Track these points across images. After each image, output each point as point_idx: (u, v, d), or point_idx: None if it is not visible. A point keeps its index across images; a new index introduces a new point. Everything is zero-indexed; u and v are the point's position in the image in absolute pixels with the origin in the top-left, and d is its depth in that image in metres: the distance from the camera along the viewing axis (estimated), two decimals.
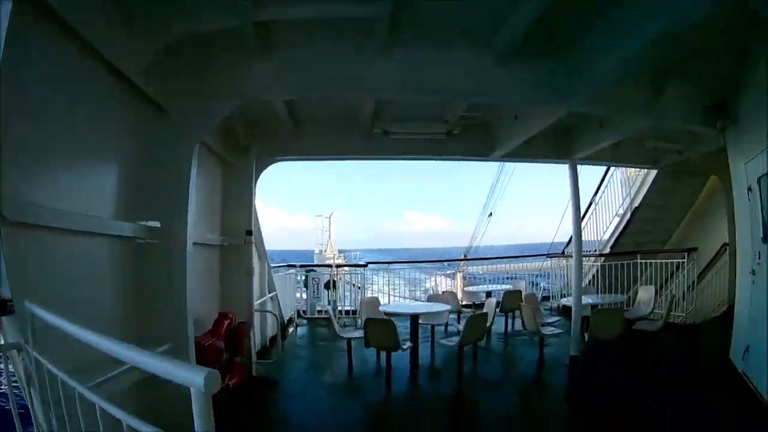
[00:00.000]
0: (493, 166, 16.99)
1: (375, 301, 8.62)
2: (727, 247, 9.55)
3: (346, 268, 13.36)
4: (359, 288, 12.78)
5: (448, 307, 7.88)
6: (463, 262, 15.58)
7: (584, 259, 11.16)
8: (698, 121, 6.33)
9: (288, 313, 11.12)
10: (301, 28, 4.35)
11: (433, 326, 8.39)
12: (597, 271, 10.90)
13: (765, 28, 4.65)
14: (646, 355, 7.22)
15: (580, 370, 7.00)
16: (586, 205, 12.17)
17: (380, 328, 6.42)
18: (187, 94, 4.52)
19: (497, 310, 7.82)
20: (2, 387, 4.28)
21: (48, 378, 2.31)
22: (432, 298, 9.25)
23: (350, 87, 4.95)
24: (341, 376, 7.29)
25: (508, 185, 16.36)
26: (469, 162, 8.96)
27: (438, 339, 8.00)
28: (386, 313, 7.33)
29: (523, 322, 7.53)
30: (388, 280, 13.32)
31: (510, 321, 9.80)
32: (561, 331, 7.37)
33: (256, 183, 7.27)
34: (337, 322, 7.80)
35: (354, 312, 11.82)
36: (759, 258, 5.53)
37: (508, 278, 14.00)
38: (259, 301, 8.08)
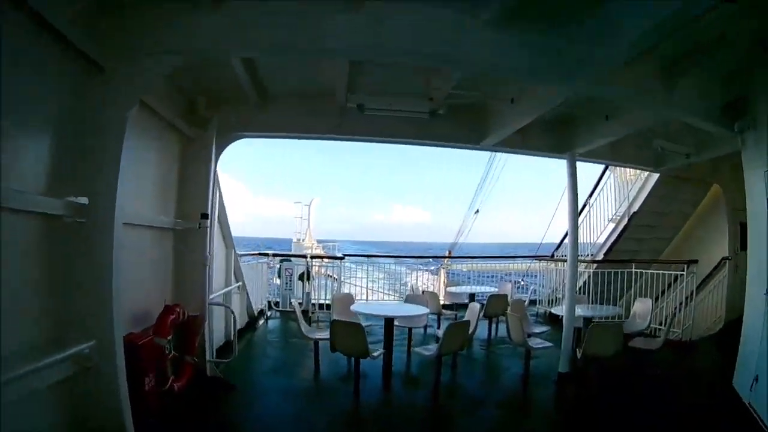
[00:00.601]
0: (482, 160, 16.46)
1: (348, 299, 7.91)
2: (728, 262, 9.17)
3: (325, 260, 12.61)
4: (339, 280, 12.23)
5: (426, 310, 7.18)
6: (447, 259, 15.00)
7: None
8: (713, 120, 5.71)
9: (259, 304, 10.50)
10: None
11: (410, 329, 7.72)
12: (589, 277, 10.27)
13: None
14: (643, 377, 6.59)
15: (571, 389, 6.42)
16: (580, 207, 11.48)
17: (347, 331, 5.71)
18: (124, 50, 3.79)
19: (481, 314, 7.14)
20: None
21: None
22: (410, 298, 8.45)
23: (310, 45, 4.08)
24: (306, 380, 6.65)
25: (498, 181, 15.89)
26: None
27: (415, 344, 7.45)
28: (359, 314, 6.65)
29: (508, 332, 6.87)
30: (367, 274, 12.74)
31: (494, 326, 9.21)
32: (550, 344, 6.72)
33: (216, 160, 6.50)
34: (305, 320, 7.06)
35: (329, 306, 11.07)
36: None
37: (491, 277, 13.46)
38: (221, 292, 7.47)
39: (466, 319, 6.72)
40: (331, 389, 6.40)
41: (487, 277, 13.51)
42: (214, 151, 6.27)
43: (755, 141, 5.50)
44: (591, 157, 7.61)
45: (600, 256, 10.85)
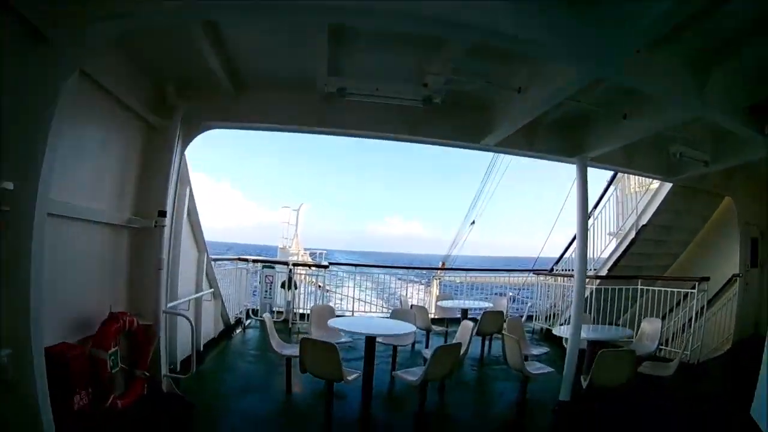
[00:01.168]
0: (480, 169, 15.88)
1: (327, 311, 7.16)
2: (738, 279, 8.53)
3: (312, 268, 11.86)
4: (324, 290, 11.59)
5: (412, 329, 6.34)
6: (440, 270, 14.41)
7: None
8: (741, 121, 5.06)
9: (236, 312, 9.88)
10: None
11: (395, 347, 6.98)
12: (591, 294, 9.55)
13: None
14: (653, 407, 5.86)
15: (574, 420, 5.71)
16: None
17: (318, 351, 4.95)
18: (66, 15, 3.21)
19: (474, 332, 6.38)
20: None
21: None
22: (397, 313, 7.65)
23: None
24: (275, 401, 5.93)
25: (497, 191, 15.39)
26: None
27: (401, 362, 6.82)
28: (336, 329, 5.94)
29: (504, 355, 6.12)
30: (354, 284, 12.16)
31: (487, 343, 8.49)
32: (551, 370, 5.98)
33: (182, 152, 5.80)
34: (286, 330, 6.30)
35: None
36: None
37: (484, 290, 12.77)
38: (188, 298, 6.78)
39: (457, 341, 6.00)
40: (301, 414, 5.72)
41: (481, 290, 12.79)
42: (179, 142, 5.59)
43: None
44: (602, 162, 6.90)
45: (603, 272, 10.14)
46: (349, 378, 4.91)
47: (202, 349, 7.40)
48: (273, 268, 10.72)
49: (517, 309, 12.57)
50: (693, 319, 8.20)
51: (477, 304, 9.99)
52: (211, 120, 5.90)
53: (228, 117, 5.88)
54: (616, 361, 5.30)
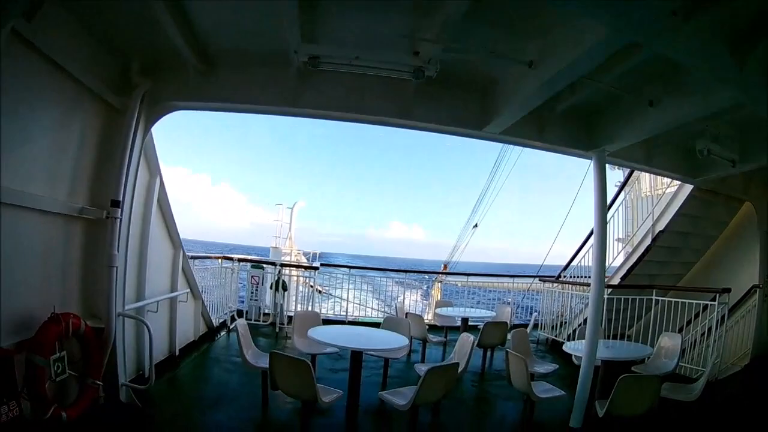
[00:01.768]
0: (484, 169, 15.33)
1: (311, 318, 6.47)
2: (758, 290, 7.96)
3: (302, 269, 11.22)
4: (320, 292, 11.19)
5: (405, 342, 5.57)
6: (442, 274, 13.91)
7: (584, 289, 9.50)
8: None
9: (221, 314, 9.29)
10: None
11: (386, 360, 6.33)
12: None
13: None
14: None
15: None
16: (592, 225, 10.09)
17: (289, 368, 4.29)
18: None
19: (474, 346, 5.70)
20: None
21: None
22: (389, 322, 6.77)
23: None
24: (247, 418, 5.24)
25: (501, 192, 14.82)
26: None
27: (393, 375, 6.24)
28: (320, 343, 5.27)
29: (508, 374, 5.41)
30: (351, 287, 11.43)
31: (489, 354, 7.75)
32: (561, 393, 5.24)
33: (145, 135, 5.18)
34: (250, 346, 5.62)
35: None
36: None
37: (485, 295, 12.13)
38: (160, 299, 6.19)
39: (453, 357, 5.33)
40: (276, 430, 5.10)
41: (482, 294, 12.17)
42: (141, 124, 5.00)
43: None
44: (621, 158, 6.23)
45: (616, 280, 9.46)
46: (326, 399, 4.23)
47: (177, 353, 6.85)
48: (261, 268, 10.13)
49: (518, 316, 11.90)
50: (709, 333, 7.55)
51: (478, 313, 9.34)
52: (176, 100, 5.26)
53: (195, 97, 5.23)
54: (638, 387, 4.63)
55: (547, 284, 10.86)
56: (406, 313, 8.28)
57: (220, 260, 9.67)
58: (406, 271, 13.61)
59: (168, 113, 5.31)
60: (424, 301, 14.37)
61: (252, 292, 9.86)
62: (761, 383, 5.01)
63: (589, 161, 5.91)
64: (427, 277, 14.73)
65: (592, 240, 9.77)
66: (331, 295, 12.48)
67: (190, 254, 7.64)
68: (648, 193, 9.97)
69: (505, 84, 4.91)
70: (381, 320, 7.49)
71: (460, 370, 5.02)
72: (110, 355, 4.71)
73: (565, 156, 6.03)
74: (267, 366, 5.09)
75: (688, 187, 8.25)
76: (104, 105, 4.81)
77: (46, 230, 4.22)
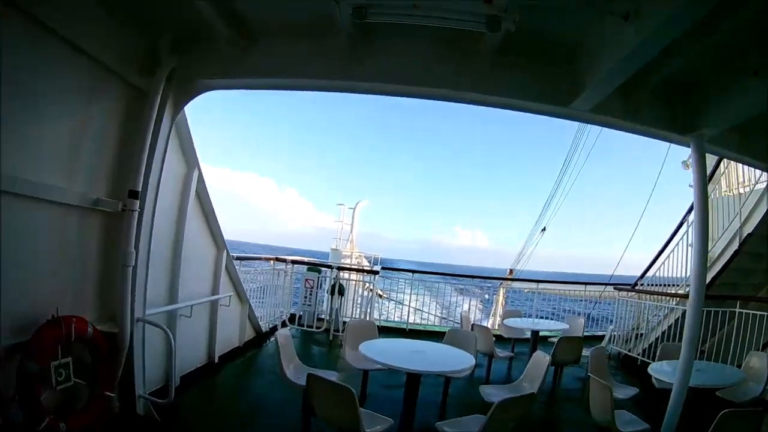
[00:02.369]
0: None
1: (366, 328, 5.77)
2: None
3: (362, 273, 10.62)
4: (380, 296, 10.88)
5: (471, 361, 4.69)
6: (507, 281, 13.11)
7: (662, 299, 8.64)
8: None
9: (273, 319, 8.86)
10: None
11: (447, 378, 5.58)
12: (681, 316, 7.68)
13: None
14: None
15: None
16: (676, 226, 8.90)
17: (330, 395, 3.59)
18: None
19: (548, 366, 4.83)
20: None
21: None
22: (454, 336, 5.88)
23: None
24: None
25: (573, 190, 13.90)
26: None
27: (454, 395, 5.52)
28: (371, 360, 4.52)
29: (588, 403, 4.45)
30: (413, 293, 10.85)
31: (560, 371, 6.83)
32: (646, 427, 4.29)
33: (173, 118, 4.65)
34: (293, 359, 5.00)
35: None
36: None
37: (551, 302, 11.06)
38: (201, 301, 5.86)
39: (523, 382, 4.53)
40: None
41: (551, 301, 11.18)
42: (168, 106, 4.51)
43: None
44: (716, 145, 5.02)
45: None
46: (369, 430, 3.50)
47: (217, 360, 6.43)
48: (318, 271, 9.55)
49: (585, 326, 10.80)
50: None
51: (550, 325, 8.38)
52: (207, 77, 4.68)
53: (229, 73, 4.64)
54: (739, 425, 3.73)
55: (622, 293, 9.67)
56: (472, 325, 7.43)
57: (272, 261, 9.21)
58: (470, 277, 12.81)
59: (200, 93, 4.75)
60: (486, 309, 13.51)
61: (306, 297, 9.32)
62: None
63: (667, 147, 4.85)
64: (489, 285, 13.75)
65: (672, 245, 8.72)
66: (391, 300, 11.93)
67: (234, 255, 7.16)
68: (727, 192, 8.84)
69: (595, 46, 3.95)
70: (441, 328, 6.73)
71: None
72: (126, 363, 4.25)
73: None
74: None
75: None
76: (129, 88, 4.36)
77: (56, 224, 3.79)
